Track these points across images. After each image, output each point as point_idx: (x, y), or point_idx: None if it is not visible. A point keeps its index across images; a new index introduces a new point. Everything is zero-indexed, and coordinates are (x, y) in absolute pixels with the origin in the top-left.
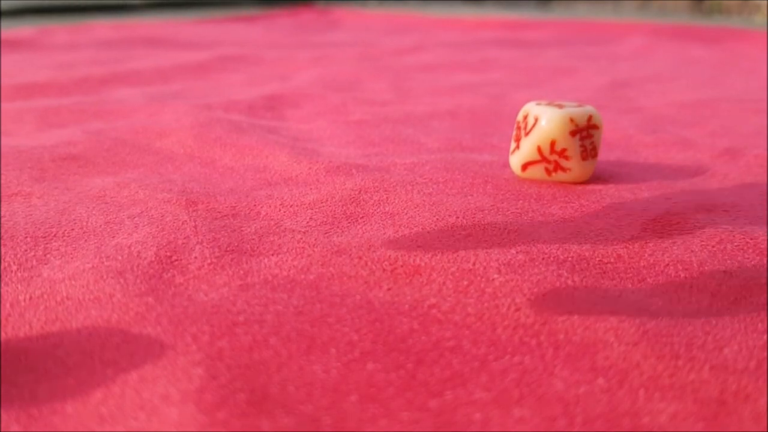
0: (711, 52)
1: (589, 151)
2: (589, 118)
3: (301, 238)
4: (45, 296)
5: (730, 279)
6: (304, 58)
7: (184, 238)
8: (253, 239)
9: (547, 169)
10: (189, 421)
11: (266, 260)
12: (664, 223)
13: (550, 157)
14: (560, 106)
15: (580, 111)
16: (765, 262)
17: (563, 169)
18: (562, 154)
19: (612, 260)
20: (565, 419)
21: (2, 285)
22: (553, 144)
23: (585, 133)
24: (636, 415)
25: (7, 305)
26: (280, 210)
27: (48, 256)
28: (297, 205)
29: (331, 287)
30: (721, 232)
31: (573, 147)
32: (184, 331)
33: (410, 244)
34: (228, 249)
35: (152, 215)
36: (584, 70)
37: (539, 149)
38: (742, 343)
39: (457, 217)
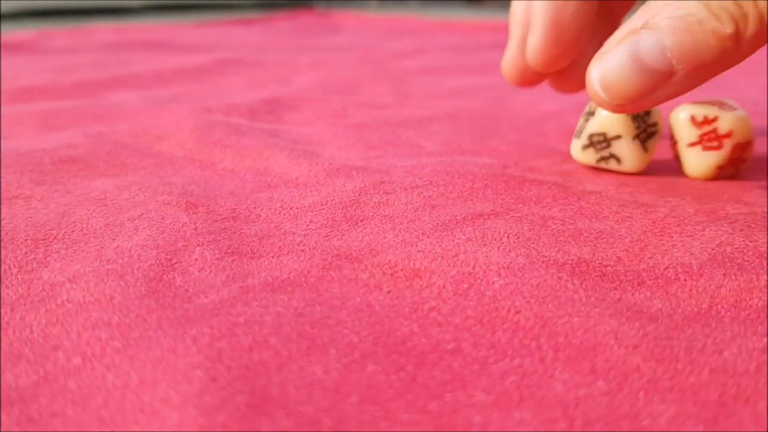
0: None
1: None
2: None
3: (302, 241)
4: (45, 299)
5: (729, 282)
6: (304, 61)
7: (185, 240)
8: (253, 242)
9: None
10: (189, 424)
11: (266, 263)
12: (664, 225)
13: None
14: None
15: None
16: (765, 264)
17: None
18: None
19: (612, 263)
20: (565, 422)
21: (2, 287)
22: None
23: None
24: (636, 418)
25: (8, 308)
26: (280, 213)
27: (48, 258)
28: (297, 208)
29: (331, 290)
30: (721, 234)
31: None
32: (184, 334)
33: (410, 247)
34: (228, 251)
35: (152, 217)
36: None
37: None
38: (741, 346)
39: (457, 221)
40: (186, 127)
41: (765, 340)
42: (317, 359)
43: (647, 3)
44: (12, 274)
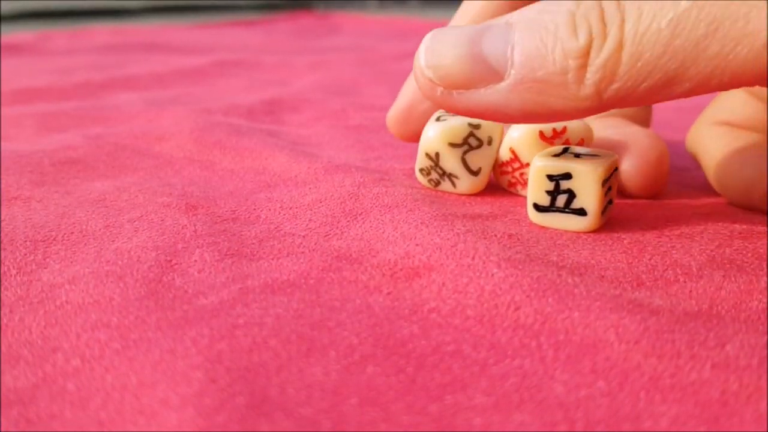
0: None
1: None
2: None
3: (301, 243)
4: (44, 301)
5: (729, 284)
6: (304, 62)
7: (184, 242)
8: (253, 244)
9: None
10: (188, 426)
11: (266, 264)
12: (662, 226)
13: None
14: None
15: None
16: (764, 265)
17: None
18: None
19: (612, 264)
20: (566, 424)
21: (2, 289)
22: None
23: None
24: (637, 419)
25: (7, 310)
26: (279, 213)
27: (47, 260)
28: (296, 207)
29: (330, 292)
30: (721, 236)
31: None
32: (183, 335)
33: (409, 240)
34: (228, 253)
35: (152, 219)
36: None
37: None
38: (744, 341)
39: (456, 216)
40: (185, 128)
41: (765, 339)
42: (317, 361)
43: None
44: (11, 275)
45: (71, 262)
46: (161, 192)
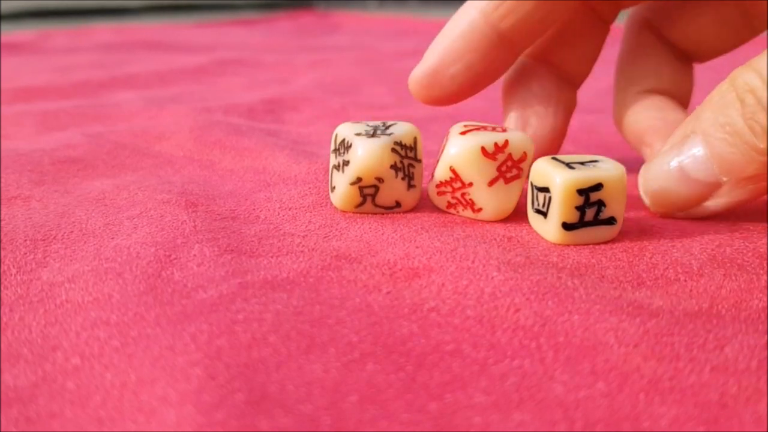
0: None
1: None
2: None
3: (300, 242)
4: (44, 299)
5: (730, 282)
6: (304, 61)
7: (184, 237)
8: (253, 241)
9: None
10: (187, 422)
11: (265, 262)
12: (663, 225)
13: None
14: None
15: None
16: (765, 264)
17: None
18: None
19: (612, 264)
20: (565, 423)
21: (2, 288)
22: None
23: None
24: (636, 420)
25: (7, 309)
26: (279, 213)
27: (47, 258)
28: (296, 208)
29: (330, 290)
30: (721, 236)
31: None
32: (182, 331)
33: (409, 243)
34: (227, 249)
35: (151, 215)
36: None
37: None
38: (743, 342)
39: (456, 222)
40: (185, 127)
41: (766, 338)
42: (316, 358)
43: (697, 108)
44: (11, 274)
45: (71, 260)
46: (161, 190)
